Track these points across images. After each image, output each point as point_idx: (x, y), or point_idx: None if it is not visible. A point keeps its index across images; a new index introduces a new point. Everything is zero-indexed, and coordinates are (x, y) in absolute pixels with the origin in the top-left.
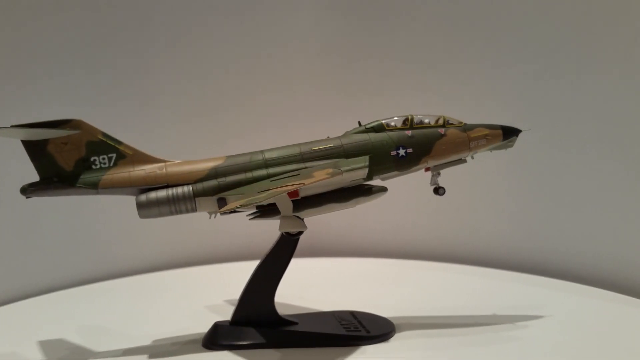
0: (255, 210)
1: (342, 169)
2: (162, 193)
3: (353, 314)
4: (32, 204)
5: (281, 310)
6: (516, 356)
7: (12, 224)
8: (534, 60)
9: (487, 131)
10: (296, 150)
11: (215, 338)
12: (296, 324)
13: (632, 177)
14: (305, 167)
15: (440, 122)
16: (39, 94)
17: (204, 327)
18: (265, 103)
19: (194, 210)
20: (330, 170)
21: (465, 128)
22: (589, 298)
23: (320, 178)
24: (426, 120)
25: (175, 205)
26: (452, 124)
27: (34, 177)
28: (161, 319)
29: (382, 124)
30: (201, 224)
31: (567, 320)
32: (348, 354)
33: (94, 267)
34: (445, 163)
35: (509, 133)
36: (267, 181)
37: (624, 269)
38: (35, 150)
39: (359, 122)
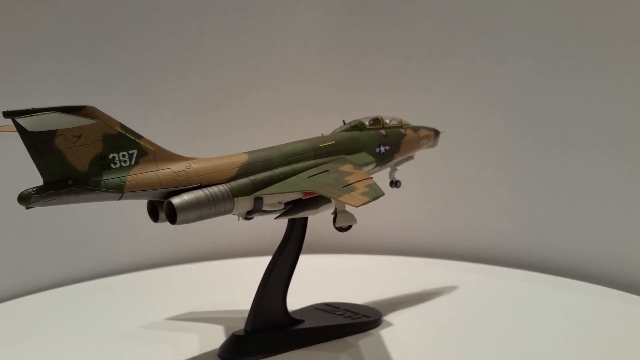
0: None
1: (358, 164)
2: (200, 194)
3: (330, 304)
4: None
5: None
6: (516, 354)
7: (12, 221)
8: (534, 58)
9: (427, 132)
10: (308, 147)
11: (236, 350)
12: (303, 321)
13: (633, 174)
14: (321, 164)
15: (398, 123)
16: (36, 89)
17: (210, 330)
18: (265, 100)
19: (231, 211)
20: (352, 165)
21: (415, 129)
22: (589, 295)
23: (363, 175)
24: (388, 121)
25: (215, 207)
26: (406, 125)
27: (33, 175)
28: (166, 320)
29: (363, 123)
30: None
31: (567, 317)
32: (368, 339)
33: (95, 264)
34: (402, 159)
35: (437, 134)
36: (301, 178)
37: (624, 267)
38: (39, 145)
39: (344, 121)
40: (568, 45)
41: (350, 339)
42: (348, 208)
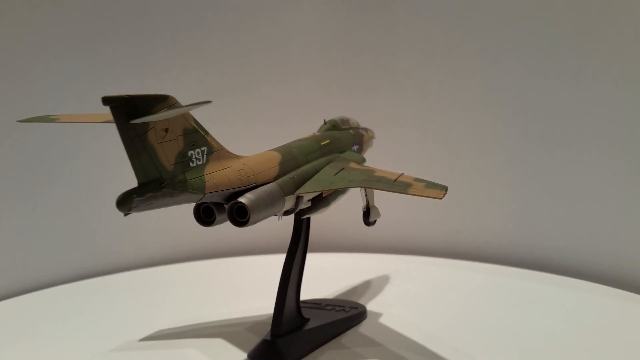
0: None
1: (358, 161)
2: (262, 194)
3: (308, 301)
4: (32, 197)
5: (265, 308)
6: (516, 352)
7: (13, 218)
8: (535, 57)
9: (371, 132)
10: (315, 145)
11: (271, 357)
12: (309, 320)
13: (632, 172)
14: (329, 162)
15: (356, 124)
16: (35, 88)
17: (225, 333)
18: (264, 98)
19: (281, 210)
20: (355, 163)
21: (365, 129)
22: (588, 294)
23: (393, 173)
24: (350, 122)
25: (274, 207)
26: (359, 126)
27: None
28: (172, 322)
29: (338, 123)
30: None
31: (567, 316)
32: (370, 335)
33: (96, 261)
34: None
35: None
36: (329, 174)
37: (624, 265)
38: (135, 139)
39: (325, 120)
40: (569, 44)
41: (351, 333)
42: (380, 203)
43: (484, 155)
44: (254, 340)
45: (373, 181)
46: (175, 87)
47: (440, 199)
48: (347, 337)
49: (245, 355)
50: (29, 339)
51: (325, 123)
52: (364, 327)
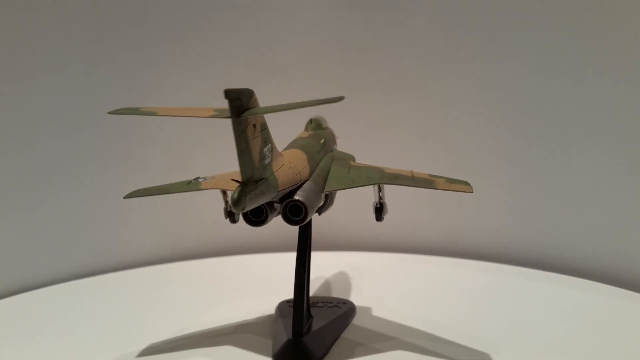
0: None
1: (353, 159)
2: (309, 191)
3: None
4: (31, 195)
5: (267, 308)
6: (515, 351)
7: (13, 217)
8: (535, 55)
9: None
10: (318, 145)
11: (300, 356)
12: (313, 317)
13: (633, 171)
14: (332, 160)
15: (327, 123)
16: (35, 89)
17: (237, 335)
18: (265, 97)
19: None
20: (352, 161)
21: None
22: (589, 292)
23: (405, 170)
24: (326, 122)
25: (317, 205)
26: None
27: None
28: (178, 318)
29: (320, 122)
30: (204, 216)
31: (567, 314)
32: (367, 324)
33: (95, 260)
34: None
35: None
36: (342, 173)
37: (625, 264)
38: (242, 136)
39: (311, 119)
40: (569, 42)
41: (354, 330)
42: (388, 199)
43: (484, 154)
44: (264, 343)
45: (391, 178)
46: (174, 86)
47: (472, 192)
48: (352, 334)
49: (262, 358)
50: (25, 343)
51: (311, 122)
52: (366, 324)
